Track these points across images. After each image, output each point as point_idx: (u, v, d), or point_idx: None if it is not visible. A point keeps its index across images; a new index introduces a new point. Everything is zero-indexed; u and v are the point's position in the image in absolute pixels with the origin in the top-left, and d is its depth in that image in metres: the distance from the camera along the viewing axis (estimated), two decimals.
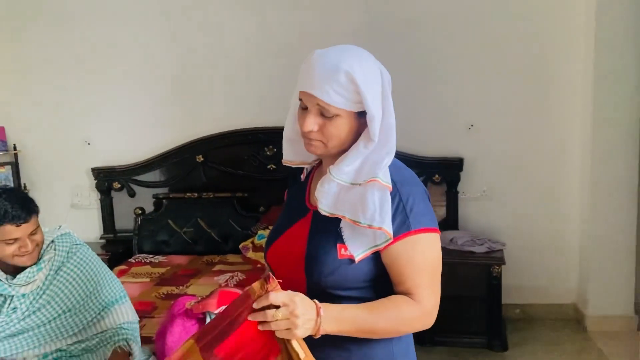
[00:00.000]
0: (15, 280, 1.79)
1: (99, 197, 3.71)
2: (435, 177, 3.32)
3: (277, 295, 0.97)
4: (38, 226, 1.80)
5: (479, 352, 3.00)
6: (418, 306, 1.09)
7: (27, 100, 3.76)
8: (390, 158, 1.11)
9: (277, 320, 0.96)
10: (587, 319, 3.21)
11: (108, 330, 1.87)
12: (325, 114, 1.09)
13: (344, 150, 1.13)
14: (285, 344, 1.00)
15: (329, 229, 1.13)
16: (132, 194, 3.67)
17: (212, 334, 1.04)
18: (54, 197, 3.83)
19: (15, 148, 3.76)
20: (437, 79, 3.34)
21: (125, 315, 1.91)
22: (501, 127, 3.34)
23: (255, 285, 1.00)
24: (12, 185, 3.62)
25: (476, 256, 3.02)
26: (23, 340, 1.81)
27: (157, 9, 3.57)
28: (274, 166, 3.49)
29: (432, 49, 3.32)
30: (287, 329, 0.97)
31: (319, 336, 1.01)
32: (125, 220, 3.69)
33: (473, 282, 3.03)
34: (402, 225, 1.09)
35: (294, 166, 1.29)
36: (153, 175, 3.67)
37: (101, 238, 3.74)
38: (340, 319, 1.03)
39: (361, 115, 1.10)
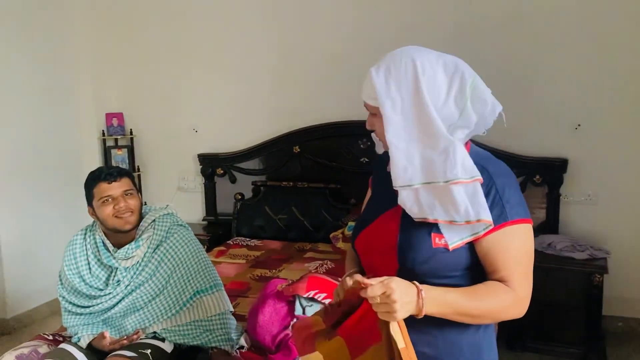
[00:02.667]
0: (116, 254, 1.94)
1: (203, 181, 3.96)
2: (536, 178, 3.18)
3: (373, 288, 1.01)
4: (134, 192, 1.95)
5: None
6: (513, 293, 1.09)
7: (143, 89, 4.09)
8: (458, 149, 1.09)
9: (377, 303, 1.01)
10: None
11: (202, 320, 1.95)
12: (376, 115, 1.17)
13: None
14: (387, 331, 1.03)
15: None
16: (233, 180, 3.88)
17: (336, 314, 1.16)
18: (163, 180, 4.14)
19: (131, 133, 4.11)
20: (544, 77, 3.18)
21: (217, 307, 1.98)
22: (610, 128, 3.11)
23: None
24: (127, 167, 3.96)
25: (576, 263, 2.86)
26: (127, 324, 1.95)
27: (260, 5, 3.72)
28: (367, 159, 3.52)
29: (540, 45, 3.17)
30: (387, 312, 1.01)
31: (422, 316, 1.03)
32: (225, 204, 3.91)
33: (571, 289, 2.87)
34: (500, 216, 1.09)
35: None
36: (253, 163, 3.85)
37: (203, 220, 3.99)
38: (441, 301, 1.05)
39: None
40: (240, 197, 3.78)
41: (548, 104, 3.19)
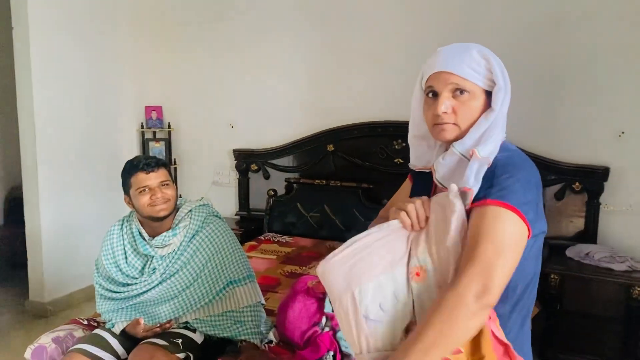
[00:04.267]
0: (153, 242, 1.97)
1: (238, 176, 4.00)
2: (575, 185, 3.10)
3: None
4: (170, 182, 1.98)
5: None
6: (452, 292, 1.00)
7: (182, 84, 4.16)
8: (499, 139, 1.14)
9: None
10: None
11: (233, 312, 1.97)
12: (458, 94, 1.14)
13: None
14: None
15: None
16: (267, 176, 3.91)
17: None
18: (198, 174, 4.20)
19: (169, 126, 4.18)
20: (586, 82, 3.09)
21: (249, 298, 2.00)
22: None
23: None
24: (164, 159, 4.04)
25: (614, 274, 2.77)
26: (161, 313, 1.99)
27: (300, 3, 3.73)
28: (400, 160, 3.49)
29: (583, 50, 3.08)
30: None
31: None
32: (258, 199, 3.94)
33: (609, 301, 2.78)
34: (483, 193, 1.07)
35: (417, 170, 1.34)
36: (287, 160, 3.87)
37: (236, 214, 4.03)
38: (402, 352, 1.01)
39: (488, 97, 1.15)
40: (273, 193, 3.80)
41: (590, 110, 3.10)
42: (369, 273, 1.10)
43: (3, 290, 4.00)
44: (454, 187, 1.09)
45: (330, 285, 1.14)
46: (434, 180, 1.20)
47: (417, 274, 1.07)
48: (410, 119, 1.30)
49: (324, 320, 1.93)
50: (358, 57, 3.62)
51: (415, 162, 1.32)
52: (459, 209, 1.06)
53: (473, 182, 1.08)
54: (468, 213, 1.09)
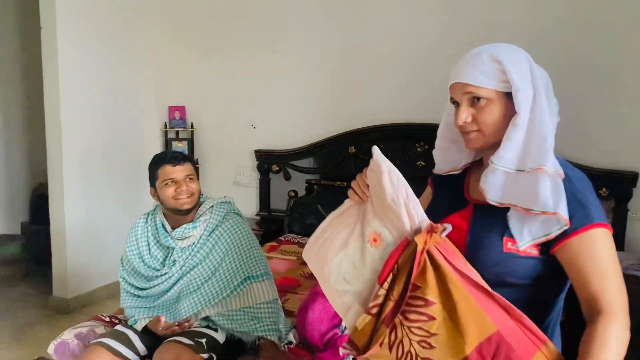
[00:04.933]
0: (173, 233, 2.02)
1: (259, 177, 4.01)
2: (602, 191, 3.03)
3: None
4: (194, 177, 2.05)
5: None
6: (615, 323, 1.02)
7: (205, 85, 4.19)
8: (549, 147, 1.08)
9: None
10: None
11: (250, 307, 1.98)
12: (476, 102, 1.12)
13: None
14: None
15: (493, 222, 1.12)
16: (287, 178, 3.91)
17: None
18: (219, 174, 4.23)
19: (192, 126, 4.21)
20: (615, 84, 3.02)
21: (265, 294, 2.01)
22: None
23: (418, 237, 1.05)
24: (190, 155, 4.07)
25: None
26: (181, 309, 2.00)
27: (323, 5, 3.73)
28: (422, 163, 3.46)
29: (615, 48, 3.01)
30: None
31: None
32: (279, 200, 3.94)
33: (635, 310, 2.71)
34: (585, 218, 1.04)
35: (443, 173, 1.32)
36: (308, 162, 3.86)
37: (257, 215, 4.04)
38: None
39: (511, 98, 1.10)
40: (293, 194, 3.80)
41: (619, 113, 3.03)
42: (331, 251, 1.21)
43: (28, 286, 4.08)
44: (375, 149, 1.13)
45: (311, 267, 1.28)
46: (487, 199, 1.12)
47: (375, 240, 1.14)
48: (444, 123, 1.29)
49: (344, 322, 1.92)
50: (381, 59, 3.60)
51: (443, 166, 1.31)
52: (385, 167, 1.11)
53: (555, 203, 1.03)
54: (562, 237, 1.05)
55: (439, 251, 1.04)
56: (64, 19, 3.42)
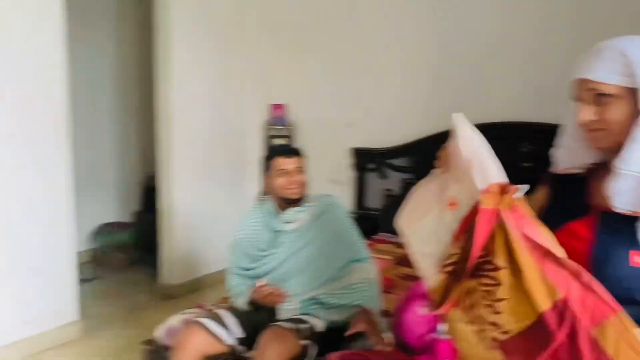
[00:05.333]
0: (282, 216, 2.17)
1: (355, 175, 4.02)
2: None
3: None
4: (304, 170, 2.20)
5: None
6: None
7: (305, 84, 4.26)
8: None
9: None
10: None
11: (354, 284, 2.07)
12: (599, 99, 1.04)
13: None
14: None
15: (621, 232, 1.03)
16: (383, 176, 3.88)
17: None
18: (316, 171, 4.24)
19: (291, 124, 4.31)
20: None
21: (369, 273, 2.12)
22: None
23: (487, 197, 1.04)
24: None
25: None
26: (289, 288, 2.09)
27: (423, 2, 3.66)
28: (527, 164, 3.28)
29: None
30: None
31: None
32: (374, 199, 3.93)
33: None
34: None
35: (565, 172, 1.23)
36: (405, 161, 3.81)
37: (352, 213, 4.05)
38: None
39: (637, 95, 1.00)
40: (388, 193, 3.76)
41: None
42: (416, 217, 1.26)
43: (138, 272, 4.39)
44: (456, 116, 1.15)
45: (400, 235, 1.33)
46: (613, 207, 1.05)
47: (452, 204, 1.15)
48: (570, 120, 1.21)
49: (441, 326, 1.87)
50: (482, 55, 3.47)
51: (566, 163, 1.23)
52: (462, 131, 1.14)
53: None
54: None
55: (509, 214, 1.02)
56: (178, 21, 3.64)
